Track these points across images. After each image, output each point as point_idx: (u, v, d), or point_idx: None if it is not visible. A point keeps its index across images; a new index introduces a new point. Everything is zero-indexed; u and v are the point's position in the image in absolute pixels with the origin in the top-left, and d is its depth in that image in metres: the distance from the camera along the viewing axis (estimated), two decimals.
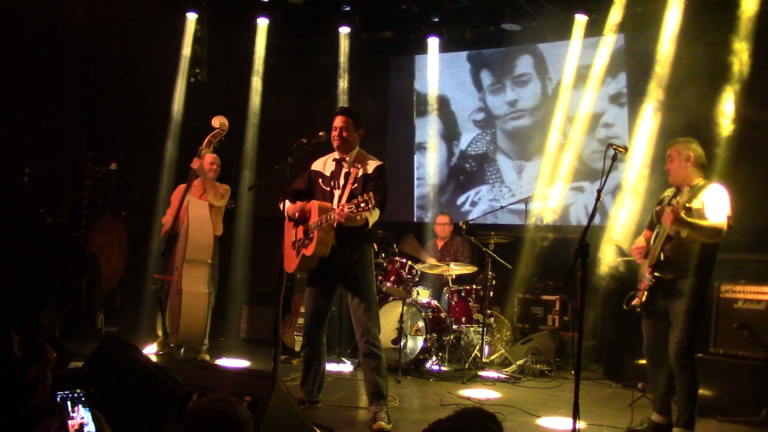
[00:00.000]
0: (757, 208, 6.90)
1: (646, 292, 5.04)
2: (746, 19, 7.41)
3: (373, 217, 5.15)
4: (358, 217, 4.97)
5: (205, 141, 7.12)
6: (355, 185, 5.24)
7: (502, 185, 10.15)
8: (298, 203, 5.40)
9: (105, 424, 3.00)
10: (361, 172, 5.27)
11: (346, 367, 7.51)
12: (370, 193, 4.79)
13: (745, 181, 6.88)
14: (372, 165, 5.34)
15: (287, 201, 5.40)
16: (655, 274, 4.97)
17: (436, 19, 9.74)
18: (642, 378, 6.41)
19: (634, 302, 5.15)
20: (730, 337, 5.88)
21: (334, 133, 5.38)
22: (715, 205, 4.85)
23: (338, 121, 5.40)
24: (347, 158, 5.41)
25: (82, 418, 2.94)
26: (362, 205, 4.77)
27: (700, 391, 5.07)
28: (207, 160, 7.25)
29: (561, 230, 9.18)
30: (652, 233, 5.22)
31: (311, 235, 5.26)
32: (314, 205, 5.32)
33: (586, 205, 9.40)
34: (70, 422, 2.91)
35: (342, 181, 5.35)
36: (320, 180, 5.47)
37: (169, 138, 9.39)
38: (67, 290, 8.08)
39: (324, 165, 5.53)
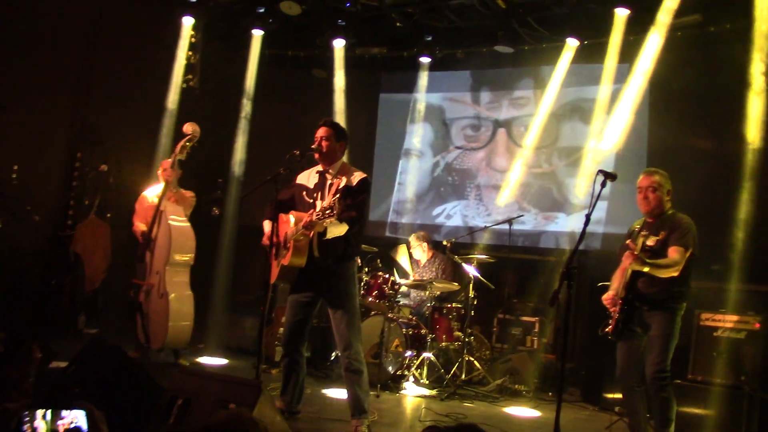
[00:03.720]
0: (736, 238, 7.01)
1: (615, 322, 5.15)
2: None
3: (337, 230, 5.14)
4: (325, 223, 4.99)
5: (179, 147, 7.20)
6: (337, 196, 5.25)
7: (479, 203, 10.23)
8: (270, 229, 5.42)
9: (101, 419, 3.00)
10: (343, 183, 5.29)
11: (327, 379, 7.52)
12: (336, 198, 4.86)
13: (728, 212, 7.00)
14: (356, 177, 5.36)
15: (268, 220, 5.45)
16: (625, 307, 5.12)
17: (429, 38, 9.81)
18: (619, 402, 6.48)
19: (606, 330, 5.23)
20: (709, 364, 5.95)
21: (315, 144, 5.44)
22: (679, 238, 5.01)
23: (320, 131, 5.47)
24: (331, 170, 5.45)
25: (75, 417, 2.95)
26: (327, 211, 4.83)
27: (678, 418, 5.13)
28: (163, 166, 7.35)
29: (542, 253, 9.27)
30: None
31: (288, 245, 5.29)
32: (291, 215, 5.35)
33: (557, 236, 9.48)
34: (60, 423, 2.92)
35: (326, 193, 5.37)
36: (304, 192, 5.50)
37: (159, 142, 9.39)
38: (49, 290, 8.05)
39: (308, 177, 5.57)
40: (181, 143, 7.20)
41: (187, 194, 7.50)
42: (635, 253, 4.93)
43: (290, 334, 5.50)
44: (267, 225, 5.48)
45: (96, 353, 4.50)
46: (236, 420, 2.58)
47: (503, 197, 9.95)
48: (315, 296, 5.46)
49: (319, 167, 5.52)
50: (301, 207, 5.45)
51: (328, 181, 5.41)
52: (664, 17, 7.95)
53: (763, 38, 7.34)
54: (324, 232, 5.13)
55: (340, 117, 10.07)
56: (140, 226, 7.28)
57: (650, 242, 5.05)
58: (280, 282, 5.59)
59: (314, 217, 4.93)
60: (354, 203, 5.21)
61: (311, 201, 5.41)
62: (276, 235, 5.40)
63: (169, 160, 7.30)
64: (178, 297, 6.95)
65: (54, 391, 4.20)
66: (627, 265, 5.02)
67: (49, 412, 3.08)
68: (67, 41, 8.69)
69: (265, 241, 5.45)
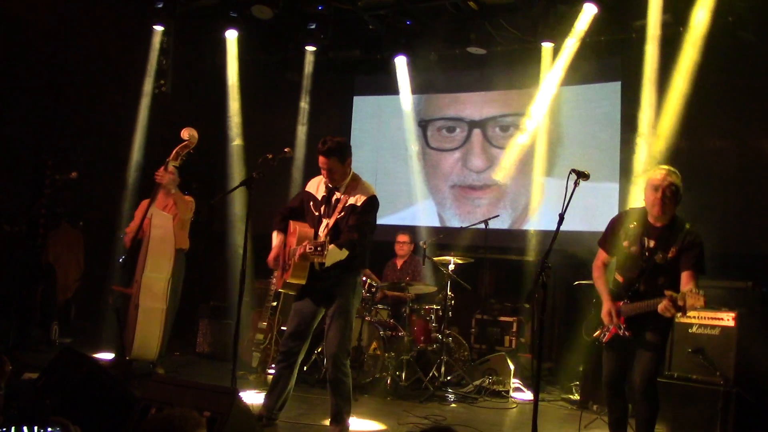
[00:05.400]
0: (711, 235, 7.06)
1: (611, 336, 4.93)
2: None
3: (337, 257, 5.09)
4: (315, 259, 4.95)
5: (173, 152, 6.97)
6: (342, 214, 5.25)
7: (455, 204, 10.24)
8: (279, 241, 5.49)
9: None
10: (350, 202, 5.29)
11: (306, 384, 7.47)
12: (326, 240, 4.85)
13: (698, 210, 7.06)
14: (362, 197, 5.33)
15: (276, 231, 5.54)
16: (628, 327, 4.85)
17: (402, 40, 9.81)
18: (597, 400, 6.51)
19: (596, 334, 5.09)
20: (684, 361, 5.98)
21: (323, 173, 5.39)
22: (693, 261, 4.74)
23: (322, 162, 5.34)
24: (339, 187, 5.42)
25: None
26: (318, 248, 4.81)
27: None
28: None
29: (518, 253, 9.29)
30: (609, 256, 5.22)
31: (290, 261, 5.28)
32: (296, 231, 5.34)
33: (533, 236, 9.46)
34: None
35: (331, 209, 5.36)
36: (312, 203, 5.49)
37: (131, 149, 9.32)
38: (21, 300, 7.94)
39: (317, 187, 5.54)
40: (177, 149, 6.99)
41: (186, 199, 7.30)
42: (675, 312, 4.53)
43: (291, 341, 5.47)
44: (276, 238, 5.54)
45: (67, 363, 4.44)
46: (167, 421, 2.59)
47: (479, 197, 9.96)
48: (318, 306, 5.45)
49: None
50: (308, 217, 5.47)
51: (335, 197, 5.39)
52: (634, 18, 8.02)
53: None
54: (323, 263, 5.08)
55: (313, 120, 10.07)
56: (129, 233, 7.19)
57: (659, 258, 4.80)
58: (286, 291, 5.63)
59: (307, 250, 4.91)
60: (357, 223, 5.20)
61: (317, 214, 5.42)
62: (284, 245, 5.46)
63: (162, 166, 7.08)
64: (148, 309, 6.84)
65: (24, 403, 4.14)
66: (668, 315, 4.57)
67: (25, 429, 3.02)
68: (37, 49, 8.60)
69: (271, 262, 5.52)
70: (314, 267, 5.25)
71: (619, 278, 5.06)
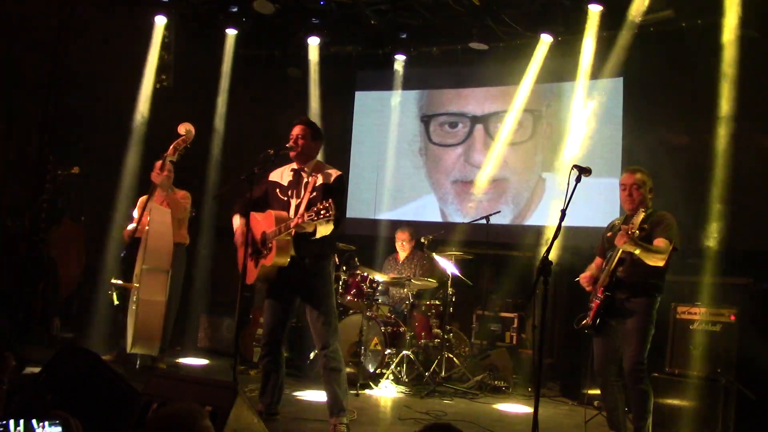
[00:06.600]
0: (712, 231, 7.06)
1: (595, 312, 5.13)
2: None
3: (324, 230, 5.11)
4: (317, 225, 4.97)
5: (171, 148, 7.03)
6: (314, 194, 5.22)
7: (457, 199, 10.23)
8: (241, 224, 5.40)
9: (77, 428, 2.96)
10: (320, 181, 5.28)
11: (306, 379, 7.49)
12: (330, 201, 4.82)
13: (704, 209, 7.07)
14: (332, 174, 5.35)
15: (238, 215, 5.45)
16: (606, 293, 5.09)
17: (404, 36, 9.80)
18: (598, 396, 6.51)
19: (584, 322, 5.23)
20: (685, 357, 5.99)
21: (291, 140, 5.41)
22: (663, 231, 5.02)
23: (295, 129, 5.44)
24: (306, 168, 5.42)
25: None
26: (322, 212, 4.79)
27: (656, 411, 5.15)
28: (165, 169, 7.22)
29: (520, 248, 9.27)
30: (603, 260, 5.33)
31: (269, 245, 5.24)
32: (270, 215, 5.30)
33: (535, 231, 9.42)
34: None
35: (301, 191, 5.35)
36: (277, 190, 5.47)
37: (133, 143, 9.30)
38: (22, 295, 7.95)
39: (281, 175, 5.53)
40: (174, 144, 7.03)
41: (179, 194, 7.34)
42: (630, 232, 4.88)
43: (269, 334, 5.46)
44: (237, 219, 5.45)
45: (69, 358, 4.44)
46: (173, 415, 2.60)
47: (481, 193, 9.95)
48: (293, 296, 5.44)
49: (294, 165, 5.49)
50: (276, 205, 5.41)
51: (304, 180, 5.38)
52: (636, 13, 7.99)
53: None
54: (314, 232, 5.11)
55: (315, 116, 10.05)
56: (129, 228, 7.21)
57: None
58: (259, 282, 5.56)
59: (306, 218, 4.89)
60: (335, 202, 5.20)
61: (285, 199, 5.39)
62: (250, 233, 5.37)
63: (159, 161, 7.13)
64: (148, 303, 6.83)
65: (26, 398, 4.14)
66: (620, 244, 4.93)
67: (21, 422, 3.01)
68: (38, 42, 8.57)
69: (238, 237, 5.40)
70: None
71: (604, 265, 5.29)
